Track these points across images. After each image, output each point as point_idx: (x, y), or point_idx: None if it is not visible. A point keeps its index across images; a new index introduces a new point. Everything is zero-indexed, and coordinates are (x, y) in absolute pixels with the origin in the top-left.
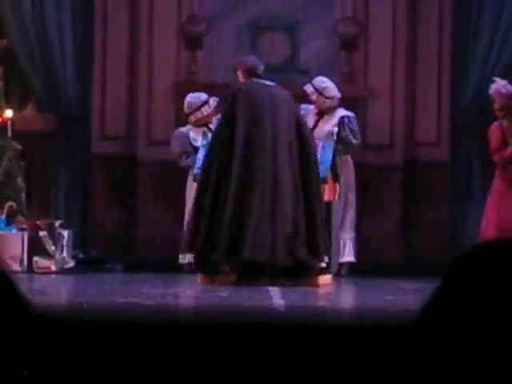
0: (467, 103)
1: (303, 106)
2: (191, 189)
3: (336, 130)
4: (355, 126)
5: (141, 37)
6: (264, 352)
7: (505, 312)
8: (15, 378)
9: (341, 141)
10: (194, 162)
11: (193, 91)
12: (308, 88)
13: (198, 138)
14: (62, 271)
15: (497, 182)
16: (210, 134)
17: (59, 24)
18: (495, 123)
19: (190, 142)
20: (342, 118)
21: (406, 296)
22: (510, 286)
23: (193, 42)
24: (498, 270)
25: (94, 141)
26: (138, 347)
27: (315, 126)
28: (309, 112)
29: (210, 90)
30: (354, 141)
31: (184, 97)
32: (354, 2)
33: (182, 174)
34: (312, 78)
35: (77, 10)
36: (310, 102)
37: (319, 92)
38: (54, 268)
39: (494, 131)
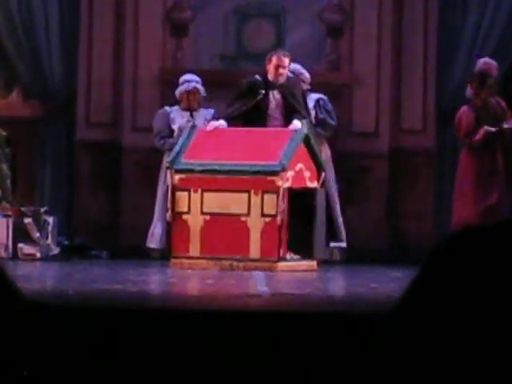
0: (453, 91)
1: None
2: (163, 175)
3: (313, 113)
4: (330, 107)
5: (126, 23)
6: (249, 339)
7: (481, 298)
8: (15, 378)
9: (319, 123)
10: (170, 146)
11: (178, 78)
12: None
13: (177, 120)
14: (47, 258)
15: (467, 166)
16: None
17: (45, 11)
18: (465, 107)
19: (170, 123)
20: (318, 100)
21: (390, 283)
22: (485, 273)
23: (179, 29)
24: (473, 257)
25: (80, 127)
26: (122, 334)
27: None
28: None
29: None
30: (331, 122)
31: (170, 83)
32: None
33: None
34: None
35: None
36: None
37: (297, 76)
38: (38, 255)
39: (467, 115)
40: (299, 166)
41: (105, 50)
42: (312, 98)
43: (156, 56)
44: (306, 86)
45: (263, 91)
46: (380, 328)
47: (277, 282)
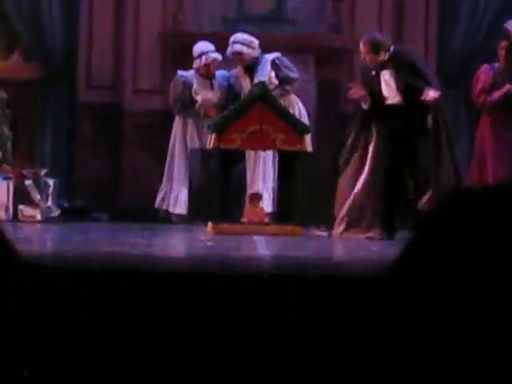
0: (454, 55)
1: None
2: (180, 137)
3: (273, 74)
4: (288, 62)
5: None
6: (250, 302)
7: (477, 260)
8: (15, 378)
9: (283, 81)
10: (191, 115)
11: (179, 40)
12: (235, 46)
13: (200, 91)
14: (47, 220)
15: (484, 130)
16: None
17: None
18: (485, 66)
19: (191, 91)
20: (273, 60)
21: (392, 246)
22: (482, 235)
23: None
24: (468, 219)
25: (81, 89)
26: (121, 297)
27: (252, 80)
28: (239, 75)
29: (197, 39)
30: (293, 75)
31: (170, 46)
32: None
33: (167, 123)
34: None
35: None
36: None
37: (247, 45)
38: (39, 217)
39: (486, 73)
40: (256, 127)
41: (106, 13)
42: (267, 59)
43: (157, 18)
44: (257, 53)
45: (374, 73)
46: (376, 290)
47: (277, 245)
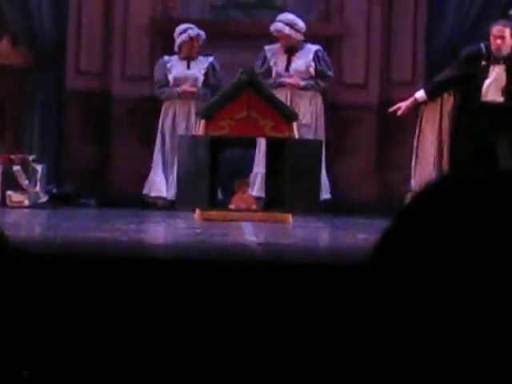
0: (442, 44)
1: (267, 47)
2: (168, 123)
3: (313, 64)
4: (328, 59)
5: None
6: (237, 289)
7: (456, 249)
8: (15, 378)
9: (319, 75)
10: (166, 96)
11: (169, 27)
12: (277, 25)
13: (173, 70)
14: (35, 206)
15: None
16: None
17: None
18: None
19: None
20: (316, 52)
21: (379, 234)
22: (462, 224)
23: None
24: (450, 207)
25: (69, 76)
26: (109, 283)
27: (288, 63)
28: (277, 52)
29: None
30: (329, 73)
31: (160, 33)
32: None
33: (155, 110)
34: (277, 17)
35: None
36: (274, 42)
37: (290, 26)
38: (27, 202)
39: None
40: (244, 113)
41: None
42: (310, 49)
43: (146, 5)
44: (300, 37)
45: (484, 63)
46: (355, 278)
47: (264, 232)
